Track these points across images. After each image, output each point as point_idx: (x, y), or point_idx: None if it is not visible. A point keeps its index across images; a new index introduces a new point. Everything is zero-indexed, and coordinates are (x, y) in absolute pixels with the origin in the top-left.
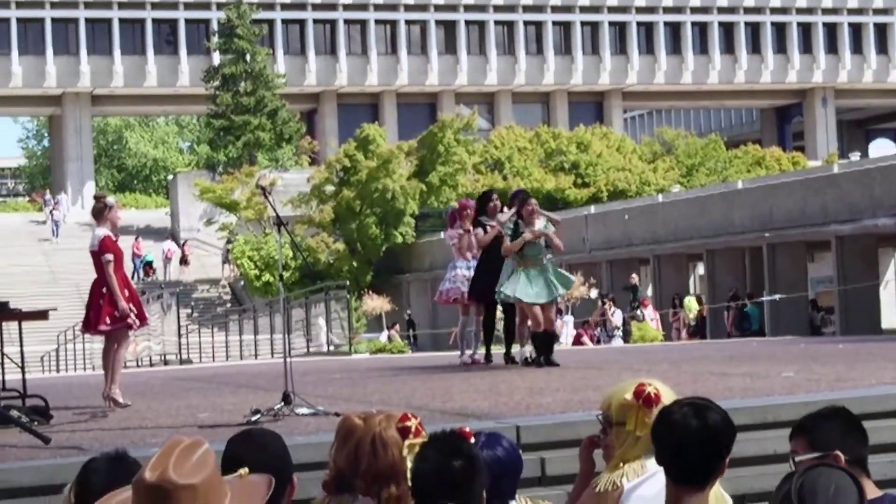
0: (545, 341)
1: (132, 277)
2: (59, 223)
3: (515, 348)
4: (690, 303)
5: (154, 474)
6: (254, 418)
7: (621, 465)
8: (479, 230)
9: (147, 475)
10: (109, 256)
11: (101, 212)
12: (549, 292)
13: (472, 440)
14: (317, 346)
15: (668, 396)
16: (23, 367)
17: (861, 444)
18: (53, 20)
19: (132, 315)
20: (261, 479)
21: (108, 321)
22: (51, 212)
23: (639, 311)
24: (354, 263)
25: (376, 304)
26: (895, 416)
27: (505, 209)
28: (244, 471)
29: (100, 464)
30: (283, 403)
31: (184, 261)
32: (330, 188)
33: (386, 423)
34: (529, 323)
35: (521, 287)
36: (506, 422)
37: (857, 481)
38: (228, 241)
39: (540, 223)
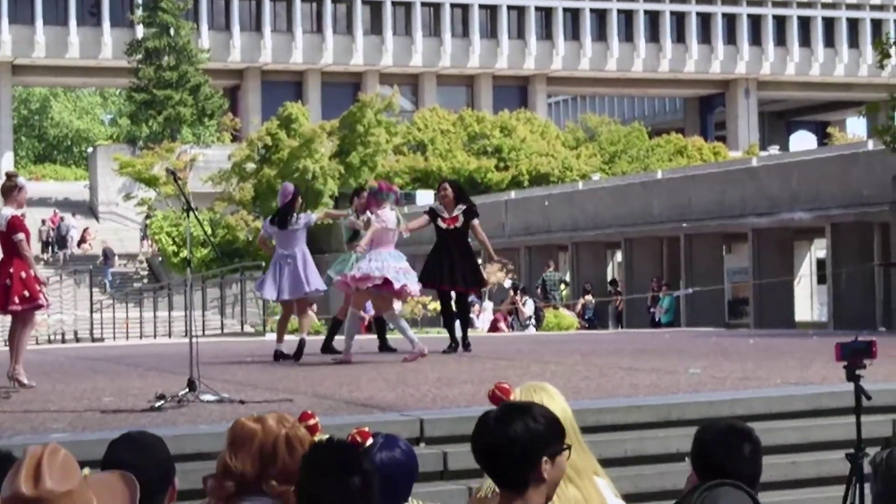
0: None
1: (51, 249)
2: None
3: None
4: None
5: (31, 487)
6: (157, 404)
7: None
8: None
9: (24, 489)
10: (21, 235)
11: (10, 191)
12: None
13: (370, 440)
14: (231, 326)
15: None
16: None
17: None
18: None
19: (42, 295)
20: (116, 478)
21: (16, 301)
22: None
23: (558, 299)
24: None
25: None
26: (798, 416)
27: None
28: (87, 471)
29: None
30: (187, 389)
31: (82, 241)
32: (251, 166)
33: (291, 423)
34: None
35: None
36: (410, 414)
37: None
38: (147, 217)
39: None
